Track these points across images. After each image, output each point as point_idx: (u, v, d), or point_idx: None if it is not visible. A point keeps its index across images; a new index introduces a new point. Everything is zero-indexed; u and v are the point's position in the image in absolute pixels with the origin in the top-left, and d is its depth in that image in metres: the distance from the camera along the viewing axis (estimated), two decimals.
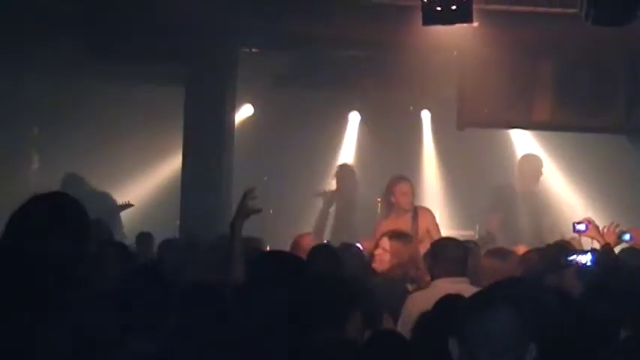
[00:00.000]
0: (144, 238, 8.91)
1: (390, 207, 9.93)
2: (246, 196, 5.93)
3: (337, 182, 12.90)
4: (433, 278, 6.64)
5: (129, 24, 10.59)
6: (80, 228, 3.77)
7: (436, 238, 8.87)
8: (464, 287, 5.98)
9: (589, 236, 8.20)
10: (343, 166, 13.19)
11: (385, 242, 7.58)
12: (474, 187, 13.21)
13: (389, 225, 9.37)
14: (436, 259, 6.72)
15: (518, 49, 10.35)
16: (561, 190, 13.16)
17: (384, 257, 7.52)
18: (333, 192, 12.46)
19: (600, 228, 8.03)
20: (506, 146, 13.49)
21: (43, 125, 13.75)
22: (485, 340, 3.24)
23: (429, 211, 10.02)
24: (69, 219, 3.76)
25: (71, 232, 3.73)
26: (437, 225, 9.88)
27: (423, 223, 9.71)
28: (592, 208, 11.94)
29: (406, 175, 10.29)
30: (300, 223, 11.63)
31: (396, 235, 7.72)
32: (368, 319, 5.10)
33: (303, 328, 4.41)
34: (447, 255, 6.66)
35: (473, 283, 6.46)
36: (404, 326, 6.21)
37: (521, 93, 10.35)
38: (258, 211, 5.97)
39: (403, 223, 9.50)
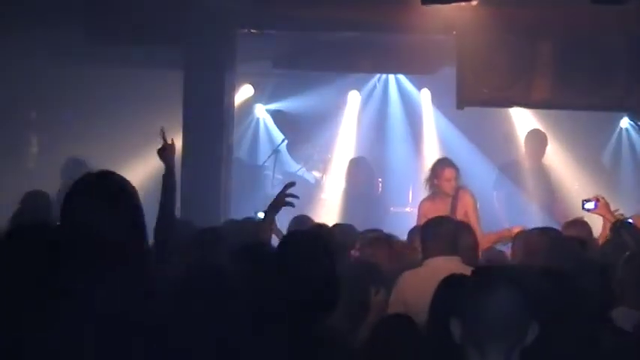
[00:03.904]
0: None
1: (432, 188, 10.12)
2: (285, 188, 6.02)
3: (347, 176, 12.89)
4: (425, 257, 6.69)
5: (127, 7, 10.55)
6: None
7: (473, 221, 9.30)
8: (456, 265, 6.06)
9: (598, 214, 8.12)
10: (354, 161, 13.14)
11: None
12: (474, 165, 13.20)
13: (430, 206, 9.85)
14: (428, 238, 6.77)
15: (518, 28, 10.31)
16: (563, 168, 13.15)
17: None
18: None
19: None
20: (507, 125, 13.48)
21: (42, 109, 13.72)
22: (487, 321, 3.25)
23: (469, 194, 10.10)
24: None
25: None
26: (476, 208, 10.02)
27: (461, 207, 9.92)
28: (595, 187, 11.91)
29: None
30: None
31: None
32: None
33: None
34: (439, 234, 6.71)
35: (464, 261, 6.51)
36: (396, 304, 6.23)
37: (520, 71, 10.32)
38: (292, 205, 6.05)
39: (443, 205, 9.80)
